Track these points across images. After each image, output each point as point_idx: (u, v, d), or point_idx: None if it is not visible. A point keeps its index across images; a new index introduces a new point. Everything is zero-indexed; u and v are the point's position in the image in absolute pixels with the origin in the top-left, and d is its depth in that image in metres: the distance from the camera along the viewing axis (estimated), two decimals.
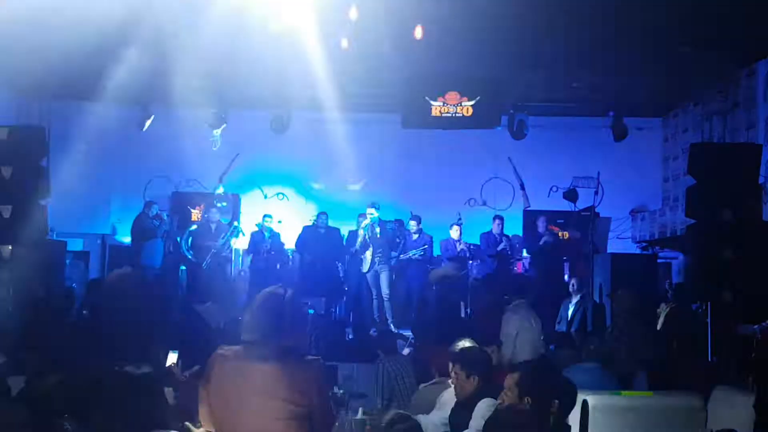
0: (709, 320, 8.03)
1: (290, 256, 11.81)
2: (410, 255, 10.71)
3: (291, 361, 2.76)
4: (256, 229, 11.52)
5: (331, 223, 11.29)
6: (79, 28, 7.78)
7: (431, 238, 11.15)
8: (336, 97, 11.30)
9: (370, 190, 12.67)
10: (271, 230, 11.41)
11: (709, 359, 7.73)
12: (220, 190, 11.81)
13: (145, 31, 8.52)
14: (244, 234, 11.80)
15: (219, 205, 11.43)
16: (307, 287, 10.76)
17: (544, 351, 6.77)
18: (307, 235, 11.13)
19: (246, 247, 11.83)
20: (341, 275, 11.16)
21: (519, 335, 6.81)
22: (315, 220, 11.35)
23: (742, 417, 4.44)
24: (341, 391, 5.09)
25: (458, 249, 10.98)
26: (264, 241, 11.25)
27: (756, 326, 7.55)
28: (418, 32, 7.82)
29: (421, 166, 12.71)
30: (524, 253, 11.90)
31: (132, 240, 11.40)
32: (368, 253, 10.29)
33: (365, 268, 10.36)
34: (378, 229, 10.29)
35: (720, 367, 7.54)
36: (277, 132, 11.47)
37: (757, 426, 4.34)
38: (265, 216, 11.60)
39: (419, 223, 10.99)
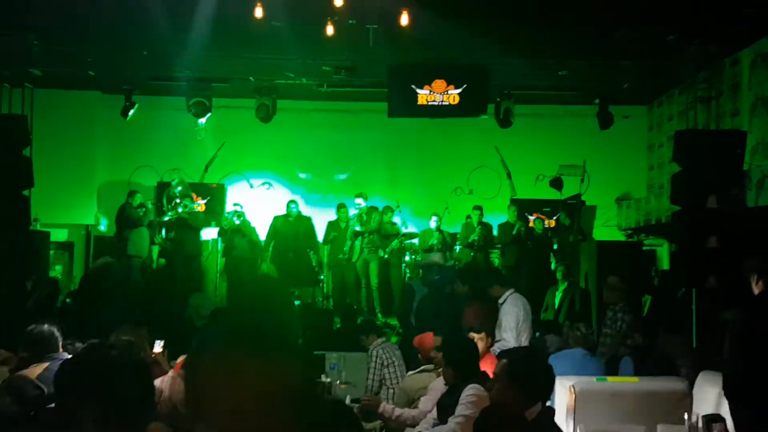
0: (694, 306, 8.11)
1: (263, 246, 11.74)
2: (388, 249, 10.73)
3: (278, 349, 2.74)
4: (229, 219, 11.46)
5: (317, 212, 11.26)
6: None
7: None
8: (322, 86, 11.30)
9: (356, 180, 12.64)
10: (243, 218, 11.30)
11: (694, 345, 7.80)
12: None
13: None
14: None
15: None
16: (283, 277, 10.75)
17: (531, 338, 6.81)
18: (277, 225, 11.09)
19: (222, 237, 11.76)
20: (314, 264, 11.13)
21: (520, 324, 6.83)
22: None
23: (726, 402, 4.47)
24: (328, 380, 5.08)
25: (435, 240, 11.00)
26: (237, 231, 11.19)
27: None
28: (404, 19, 7.79)
29: (408, 155, 12.69)
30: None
31: (117, 230, 11.32)
32: (357, 243, 10.28)
33: (354, 257, 10.36)
34: (366, 219, 10.28)
35: (705, 353, 7.61)
36: (262, 121, 11.41)
37: None
38: (234, 204, 11.55)
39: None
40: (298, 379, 2.71)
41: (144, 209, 11.13)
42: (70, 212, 12.55)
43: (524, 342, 6.67)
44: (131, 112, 11.44)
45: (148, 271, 11.24)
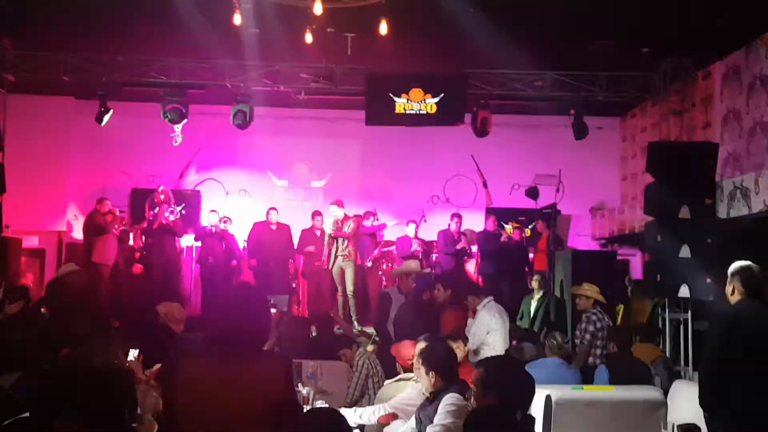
0: (667, 315, 8.20)
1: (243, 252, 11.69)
2: (370, 258, 10.75)
3: (257, 358, 2.73)
4: (207, 226, 11.40)
5: (293, 220, 11.21)
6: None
7: (382, 235, 11.25)
8: (299, 93, 11.29)
9: (333, 187, 12.63)
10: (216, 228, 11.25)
11: (667, 354, 7.89)
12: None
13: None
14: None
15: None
16: (260, 284, 10.69)
17: (508, 347, 6.84)
18: (258, 232, 11.04)
19: (199, 244, 11.70)
20: (293, 273, 11.08)
21: (491, 333, 6.88)
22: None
23: (700, 411, 4.53)
24: (306, 389, 5.06)
25: (412, 248, 11.02)
26: (213, 238, 11.12)
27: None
28: (383, 28, 7.82)
29: (385, 164, 12.71)
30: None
31: (84, 237, 11.17)
32: (333, 250, 10.25)
33: (330, 264, 10.32)
34: (341, 226, 10.26)
35: (677, 362, 7.71)
36: (240, 128, 11.35)
37: None
38: (210, 212, 11.50)
39: (374, 219, 11.07)
40: (279, 386, 2.72)
41: (112, 216, 10.98)
42: (42, 219, 12.37)
43: (500, 350, 6.72)
44: (106, 117, 11.30)
45: (119, 279, 11.08)
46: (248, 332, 2.73)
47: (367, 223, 11.03)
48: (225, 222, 11.30)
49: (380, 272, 11.21)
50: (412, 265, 8.68)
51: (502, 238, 11.27)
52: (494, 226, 11.31)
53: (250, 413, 2.63)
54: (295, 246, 11.18)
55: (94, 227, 10.77)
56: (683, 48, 9.89)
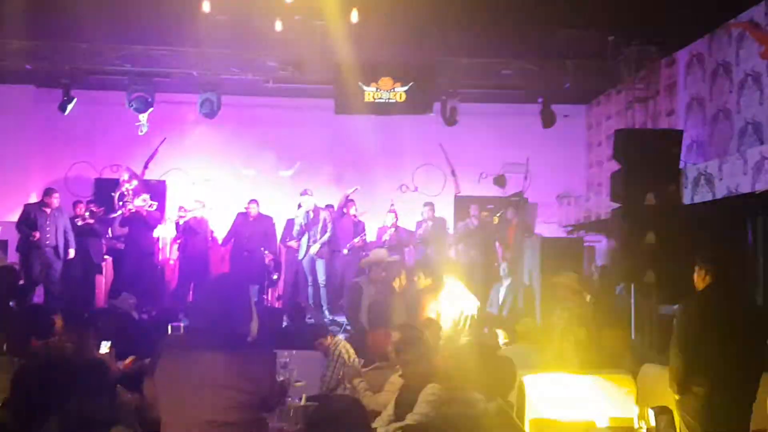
0: (633, 300, 8.36)
1: (219, 243, 11.61)
2: (348, 245, 10.71)
3: (241, 349, 2.72)
4: (181, 215, 11.27)
5: (263, 210, 11.13)
6: None
7: (363, 224, 11.19)
8: (267, 81, 11.19)
9: (302, 177, 12.57)
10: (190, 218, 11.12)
11: (633, 338, 8.05)
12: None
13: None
14: (171, 221, 11.55)
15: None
16: (236, 274, 10.62)
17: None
18: (239, 222, 10.97)
19: (173, 234, 11.57)
20: (268, 263, 11.02)
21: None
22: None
23: (669, 394, 4.63)
24: (281, 378, 5.05)
25: (384, 237, 11.02)
26: (189, 228, 11.00)
27: (677, 306, 7.87)
28: (354, 16, 7.78)
29: (354, 152, 12.69)
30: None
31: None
32: (303, 240, 10.22)
33: (301, 254, 10.30)
34: (312, 216, 10.23)
35: (643, 346, 7.86)
36: (207, 117, 11.23)
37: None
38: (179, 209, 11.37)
39: (355, 208, 11.00)
40: (264, 375, 2.72)
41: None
42: (3, 209, 12.11)
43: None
44: (69, 106, 11.10)
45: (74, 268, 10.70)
46: (229, 323, 2.73)
47: (353, 210, 10.97)
48: (201, 206, 11.09)
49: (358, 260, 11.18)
50: (380, 254, 8.69)
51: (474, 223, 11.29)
52: (476, 212, 11.30)
53: (234, 405, 2.62)
54: (278, 237, 11.15)
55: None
56: (648, 36, 10.02)
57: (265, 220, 11.01)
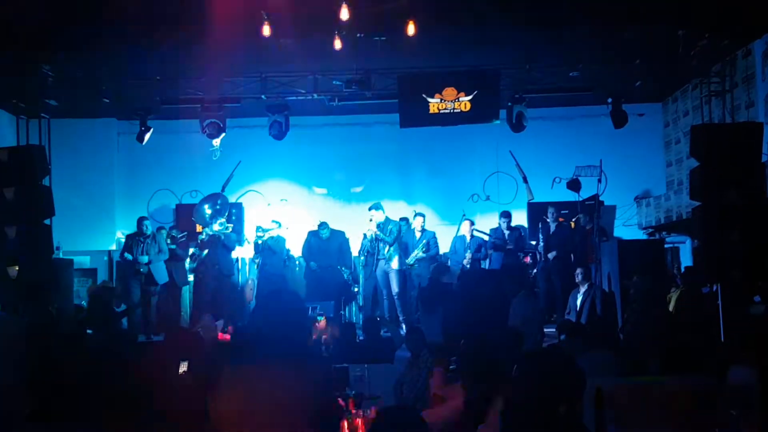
0: (720, 302, 8.00)
1: (297, 263, 11.80)
2: (414, 255, 10.66)
3: (299, 362, 2.74)
4: (259, 234, 11.48)
5: (336, 227, 11.23)
6: None
7: (434, 234, 11.12)
8: (333, 100, 11.35)
9: (372, 192, 12.65)
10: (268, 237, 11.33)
11: (722, 340, 7.70)
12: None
13: None
14: (249, 242, 11.79)
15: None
16: (314, 292, 10.77)
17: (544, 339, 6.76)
18: (311, 241, 11.12)
19: (252, 254, 11.82)
20: (347, 278, 11.11)
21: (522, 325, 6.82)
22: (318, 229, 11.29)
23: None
24: (353, 392, 5.06)
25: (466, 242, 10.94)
26: (267, 248, 11.21)
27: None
28: (411, 29, 7.81)
29: (422, 165, 12.69)
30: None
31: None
32: (376, 254, 10.28)
33: (375, 269, 10.38)
34: (381, 231, 10.27)
35: (732, 348, 7.50)
36: (276, 138, 11.47)
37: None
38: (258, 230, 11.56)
39: (423, 220, 10.95)
40: (319, 390, 2.73)
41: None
42: (92, 239, 12.68)
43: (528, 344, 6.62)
44: (147, 136, 11.56)
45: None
46: (284, 335, 2.76)
47: (417, 225, 10.94)
48: (277, 226, 11.31)
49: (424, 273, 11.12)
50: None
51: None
52: (553, 217, 11.11)
53: (294, 418, 2.64)
54: (353, 252, 11.24)
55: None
56: (720, 28, 9.65)
57: (338, 236, 11.13)
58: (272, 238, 11.23)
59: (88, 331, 7.58)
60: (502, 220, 11.16)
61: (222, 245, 10.98)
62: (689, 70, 10.60)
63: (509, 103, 11.17)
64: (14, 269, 7.44)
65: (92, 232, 12.69)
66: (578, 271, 9.57)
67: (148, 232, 10.70)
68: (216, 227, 10.84)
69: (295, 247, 11.75)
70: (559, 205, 12.11)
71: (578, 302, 9.33)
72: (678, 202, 11.83)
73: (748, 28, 9.71)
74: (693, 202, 8.47)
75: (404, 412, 2.93)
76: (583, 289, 9.38)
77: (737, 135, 8.26)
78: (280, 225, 11.32)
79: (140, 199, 13.05)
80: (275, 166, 12.99)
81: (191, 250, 11.47)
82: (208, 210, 11.12)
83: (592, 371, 4.76)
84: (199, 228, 11.61)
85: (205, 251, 11.08)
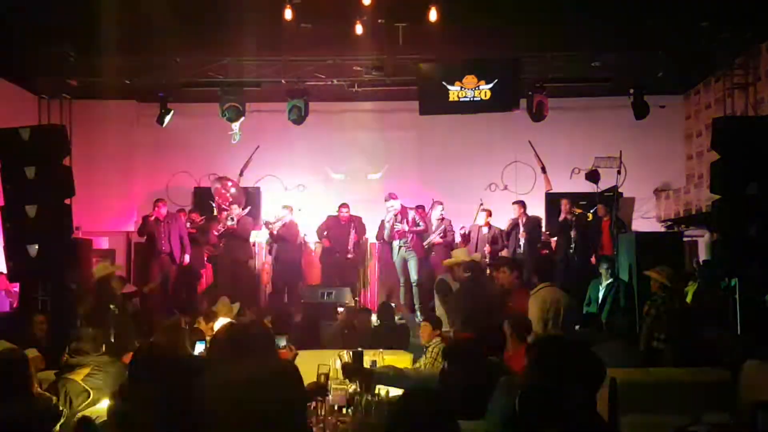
0: (737, 295, 7.93)
1: (313, 248, 11.83)
2: (430, 240, 10.65)
3: (267, 357, 2.79)
4: (276, 220, 11.51)
5: (353, 213, 11.26)
6: None
7: (450, 222, 11.10)
8: (353, 86, 11.34)
9: (390, 179, 12.64)
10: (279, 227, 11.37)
11: (739, 333, 7.64)
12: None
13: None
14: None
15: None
16: (329, 278, 10.82)
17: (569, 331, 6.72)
18: (329, 224, 11.15)
19: (267, 239, 11.85)
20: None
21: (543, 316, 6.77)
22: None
23: None
24: None
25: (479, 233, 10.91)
26: (280, 237, 11.23)
27: None
28: (433, 15, 7.78)
29: (441, 153, 12.64)
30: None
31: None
32: (395, 241, 10.31)
33: (394, 256, 10.40)
34: (400, 218, 10.29)
35: (749, 341, 7.45)
36: (295, 123, 11.48)
37: None
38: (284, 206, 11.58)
39: (442, 208, 10.94)
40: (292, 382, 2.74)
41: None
42: (111, 220, 12.79)
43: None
44: (167, 119, 11.62)
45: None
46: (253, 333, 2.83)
47: (436, 212, 10.91)
48: (289, 212, 11.31)
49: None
50: (459, 254, 8.61)
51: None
52: (568, 208, 11.03)
53: (265, 412, 2.63)
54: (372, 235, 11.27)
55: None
56: (744, 20, 9.52)
57: (355, 221, 11.15)
58: (284, 225, 11.21)
59: None
60: (518, 208, 11.07)
61: (237, 237, 11.08)
62: (712, 61, 10.47)
63: (529, 92, 11.10)
64: (34, 248, 7.50)
65: (112, 214, 12.79)
66: (602, 264, 9.53)
67: (165, 214, 10.76)
68: (229, 222, 10.98)
69: (312, 232, 11.74)
70: (577, 197, 12.05)
71: (600, 294, 9.30)
72: (698, 196, 11.72)
73: None
74: (713, 196, 8.39)
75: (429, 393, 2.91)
76: (606, 282, 9.35)
77: (759, 128, 8.17)
78: (290, 212, 11.30)
79: (159, 181, 13.12)
80: (293, 151, 12.99)
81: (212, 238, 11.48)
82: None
83: (607, 361, 4.75)
84: (218, 214, 11.70)
85: (222, 241, 11.20)
